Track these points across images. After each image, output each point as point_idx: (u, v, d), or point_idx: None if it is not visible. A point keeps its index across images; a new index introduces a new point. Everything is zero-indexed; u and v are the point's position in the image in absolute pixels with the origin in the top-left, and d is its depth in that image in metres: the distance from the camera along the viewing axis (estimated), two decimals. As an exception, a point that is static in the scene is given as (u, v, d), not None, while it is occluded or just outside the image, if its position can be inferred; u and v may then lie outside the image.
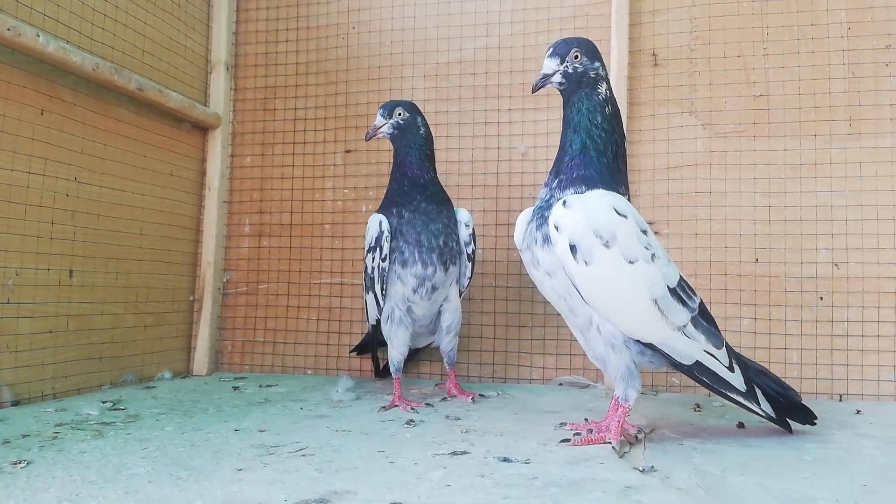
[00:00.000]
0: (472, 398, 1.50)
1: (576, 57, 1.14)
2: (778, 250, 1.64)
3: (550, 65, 1.15)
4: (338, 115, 1.95)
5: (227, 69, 1.99)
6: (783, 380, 1.22)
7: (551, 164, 1.75)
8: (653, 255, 1.07)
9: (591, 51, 1.15)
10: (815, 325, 1.61)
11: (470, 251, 1.53)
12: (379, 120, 1.48)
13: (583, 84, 1.15)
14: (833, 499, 0.85)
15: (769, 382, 1.18)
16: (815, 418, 1.21)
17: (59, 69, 1.46)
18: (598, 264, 1.04)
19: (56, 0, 1.47)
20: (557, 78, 1.15)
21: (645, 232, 1.10)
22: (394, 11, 1.92)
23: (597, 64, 1.15)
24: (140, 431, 1.17)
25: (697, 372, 1.09)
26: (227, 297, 1.98)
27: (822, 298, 1.61)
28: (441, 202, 1.48)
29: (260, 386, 1.69)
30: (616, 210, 1.08)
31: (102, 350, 1.61)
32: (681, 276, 1.11)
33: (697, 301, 1.11)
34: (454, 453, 1.03)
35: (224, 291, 1.97)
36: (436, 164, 1.54)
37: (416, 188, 1.46)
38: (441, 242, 1.44)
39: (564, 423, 1.19)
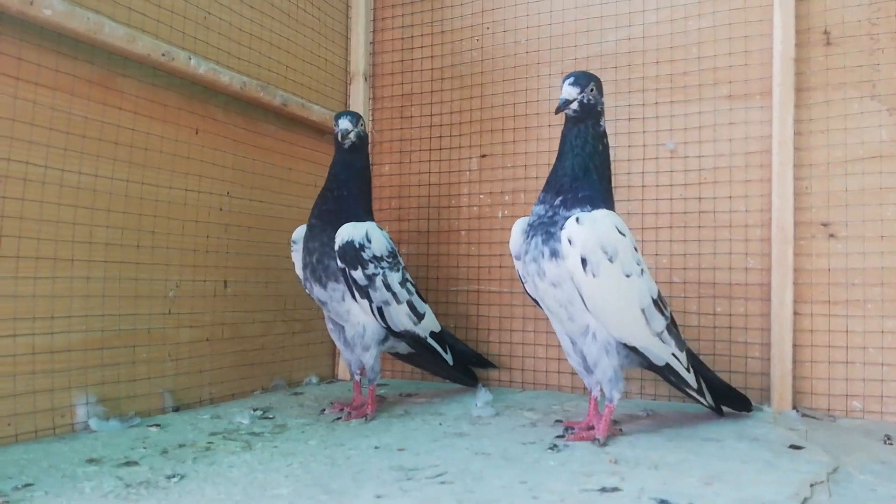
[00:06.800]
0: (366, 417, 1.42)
1: (591, 90, 1.23)
2: None
3: (572, 92, 1.22)
4: (473, 119, 1.91)
5: (366, 79, 2.01)
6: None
7: (704, 160, 1.63)
8: (642, 270, 1.22)
9: (601, 87, 1.27)
10: None
11: (345, 270, 1.38)
12: (349, 126, 1.45)
13: (591, 115, 1.24)
14: None
15: (710, 375, 1.39)
16: (751, 405, 1.44)
17: (209, 90, 1.53)
18: (603, 276, 1.16)
19: (205, 23, 1.54)
20: (575, 105, 1.22)
21: (636, 249, 1.24)
22: (528, 8, 1.85)
23: (603, 100, 1.27)
24: (286, 444, 1.19)
25: (667, 372, 1.26)
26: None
27: None
28: (328, 222, 1.42)
29: (400, 395, 1.69)
30: (618, 229, 1.20)
31: (254, 356, 1.68)
32: (658, 289, 1.26)
33: (668, 311, 1.27)
34: (604, 489, 0.94)
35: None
36: (360, 184, 1.49)
37: (318, 202, 1.48)
38: (314, 260, 1.43)
39: (560, 421, 1.36)
